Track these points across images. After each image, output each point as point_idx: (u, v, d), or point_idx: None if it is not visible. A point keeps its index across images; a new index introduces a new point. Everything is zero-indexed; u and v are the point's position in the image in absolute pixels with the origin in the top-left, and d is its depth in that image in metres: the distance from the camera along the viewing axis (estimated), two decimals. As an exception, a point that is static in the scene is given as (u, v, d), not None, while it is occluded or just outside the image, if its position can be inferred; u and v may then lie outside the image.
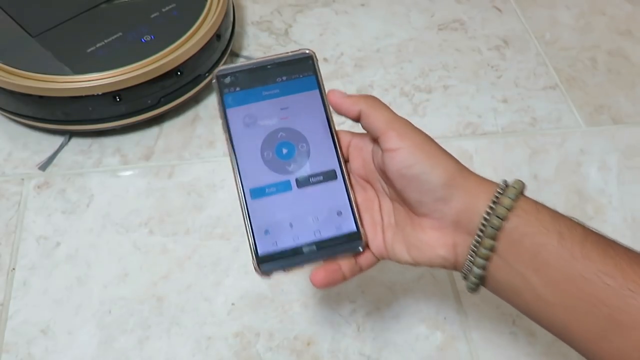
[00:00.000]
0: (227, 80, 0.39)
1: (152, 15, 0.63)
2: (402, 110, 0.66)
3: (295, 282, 0.53)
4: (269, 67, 0.39)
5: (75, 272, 0.53)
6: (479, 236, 0.34)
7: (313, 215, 0.37)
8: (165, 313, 0.51)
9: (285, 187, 0.37)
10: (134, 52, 0.59)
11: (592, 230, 0.34)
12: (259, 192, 0.37)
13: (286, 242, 0.37)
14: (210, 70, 0.64)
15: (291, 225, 0.37)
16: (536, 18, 0.78)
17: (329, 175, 0.38)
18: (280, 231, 0.37)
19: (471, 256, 0.34)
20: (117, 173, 0.60)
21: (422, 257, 0.36)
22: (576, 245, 0.32)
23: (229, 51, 0.67)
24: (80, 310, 0.51)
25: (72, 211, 0.57)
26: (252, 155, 0.38)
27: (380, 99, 0.38)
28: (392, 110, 0.37)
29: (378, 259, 0.38)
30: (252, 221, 0.37)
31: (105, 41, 0.60)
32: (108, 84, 0.57)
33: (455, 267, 0.36)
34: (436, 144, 0.36)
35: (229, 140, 0.38)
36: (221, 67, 0.39)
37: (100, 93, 0.57)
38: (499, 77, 0.71)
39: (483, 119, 0.66)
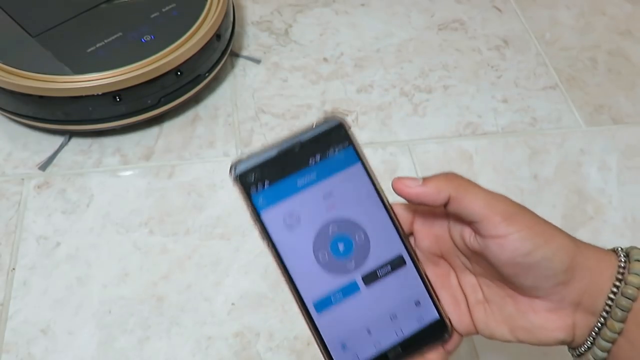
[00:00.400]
0: (250, 177, 0.31)
1: (152, 15, 0.63)
2: (402, 110, 0.66)
3: (295, 282, 0.53)
4: (296, 149, 0.32)
5: (75, 272, 0.53)
6: (604, 318, 0.31)
7: (390, 312, 0.33)
8: (165, 313, 0.51)
9: (352, 289, 0.32)
10: (134, 52, 0.59)
11: None
12: (324, 304, 0.32)
13: (368, 352, 0.32)
14: (210, 70, 0.64)
15: (369, 331, 0.32)
16: (536, 18, 0.78)
17: (397, 263, 0.33)
18: (359, 341, 0.32)
19: (593, 337, 0.32)
20: (117, 173, 0.60)
21: (533, 338, 0.33)
22: None
23: (229, 51, 0.67)
24: (80, 310, 0.51)
25: (72, 211, 0.57)
26: (305, 261, 0.32)
27: (459, 174, 0.33)
28: (483, 188, 0.32)
29: (462, 338, 0.35)
30: (324, 338, 0.32)
31: (106, 41, 0.60)
32: (108, 84, 0.57)
33: (570, 346, 0.33)
34: (545, 221, 0.32)
35: (272, 248, 0.32)
36: (237, 161, 0.31)
37: (100, 93, 0.57)
38: (499, 77, 0.71)
39: (483, 119, 0.66)
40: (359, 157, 0.33)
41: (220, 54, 0.65)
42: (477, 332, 0.34)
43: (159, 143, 0.63)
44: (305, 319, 0.32)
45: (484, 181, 0.36)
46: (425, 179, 0.32)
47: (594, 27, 0.77)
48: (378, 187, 0.33)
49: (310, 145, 0.32)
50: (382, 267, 0.33)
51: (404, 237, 0.33)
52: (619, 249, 0.32)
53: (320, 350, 0.32)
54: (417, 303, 0.33)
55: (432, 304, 0.33)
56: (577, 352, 0.33)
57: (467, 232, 0.33)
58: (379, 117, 0.65)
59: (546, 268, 0.31)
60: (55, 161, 0.61)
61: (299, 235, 0.32)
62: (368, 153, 0.33)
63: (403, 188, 0.32)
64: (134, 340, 0.49)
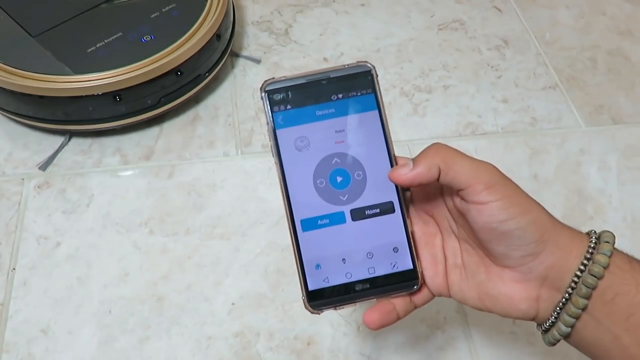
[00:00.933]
0: (278, 96, 0.35)
1: (152, 15, 0.63)
2: (402, 110, 0.66)
3: (295, 282, 0.53)
4: (323, 82, 0.35)
5: (75, 272, 0.53)
6: (569, 294, 0.32)
7: (367, 250, 0.35)
8: (165, 313, 0.51)
9: (339, 219, 0.35)
10: (134, 52, 0.59)
11: None
12: (310, 224, 0.35)
13: (338, 278, 0.34)
14: (210, 71, 0.64)
15: (344, 260, 0.35)
16: (536, 18, 0.78)
17: (386, 208, 0.35)
18: (332, 267, 0.34)
19: (557, 313, 0.33)
20: (118, 173, 0.60)
21: (498, 307, 0.34)
22: None
23: (229, 51, 0.67)
24: (80, 310, 0.51)
25: (72, 211, 0.57)
26: (304, 183, 0.35)
27: (446, 144, 0.34)
28: (470, 157, 0.34)
29: (434, 296, 0.36)
30: (302, 255, 0.34)
31: (106, 41, 0.60)
32: (108, 84, 0.57)
33: (534, 320, 0.35)
34: (525, 194, 0.33)
35: (278, 164, 0.35)
36: (269, 81, 0.35)
37: (100, 93, 0.57)
38: (499, 77, 0.71)
39: (483, 119, 0.66)
40: (378, 106, 0.35)
41: (220, 54, 0.65)
42: (449, 294, 0.36)
43: (159, 143, 0.63)
44: (290, 233, 0.34)
45: (484, 181, 0.36)
46: (415, 160, 0.34)
47: (594, 27, 0.77)
48: (388, 137, 0.35)
49: (336, 83, 0.35)
50: (371, 207, 0.35)
51: (400, 188, 0.35)
52: (593, 231, 0.34)
53: (297, 265, 0.34)
54: (395, 249, 0.35)
55: (409, 254, 0.35)
56: (543, 328, 0.34)
57: (450, 191, 0.35)
58: (379, 117, 0.65)
59: (518, 237, 0.32)
60: (55, 161, 0.61)
61: (304, 159, 0.35)
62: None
63: (398, 177, 0.33)
64: (134, 340, 0.49)
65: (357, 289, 0.35)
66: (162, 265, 0.54)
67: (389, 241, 0.35)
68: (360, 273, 0.35)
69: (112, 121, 0.60)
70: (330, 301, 0.34)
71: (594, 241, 0.33)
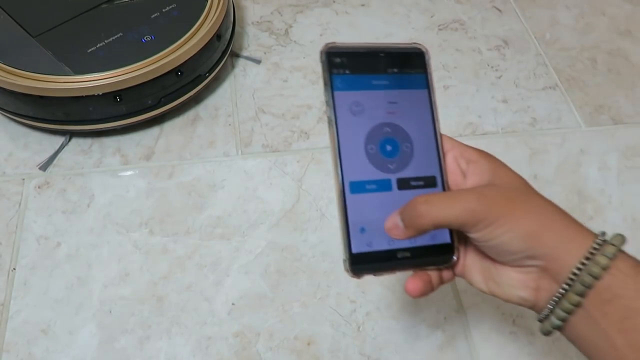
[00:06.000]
0: (338, 60, 0.35)
1: (153, 16, 0.63)
2: (402, 110, 0.66)
3: (295, 282, 0.53)
4: (381, 54, 0.36)
5: (75, 272, 0.53)
6: (564, 289, 0.32)
7: None
8: (165, 313, 0.51)
9: (385, 186, 0.35)
10: (135, 52, 0.59)
11: None
12: (358, 187, 0.35)
13: (381, 244, 0.34)
14: (210, 71, 0.64)
15: None
16: (536, 18, 0.78)
17: (430, 182, 0.36)
18: (377, 232, 0.34)
19: (552, 305, 0.33)
20: (118, 173, 0.60)
21: (499, 292, 0.35)
22: None
23: (229, 51, 0.67)
24: (80, 310, 0.51)
25: (72, 211, 0.57)
26: (356, 147, 0.35)
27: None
28: (449, 193, 0.35)
29: (454, 276, 0.37)
30: (348, 216, 0.34)
31: (106, 41, 0.60)
32: (108, 84, 0.57)
33: (533, 308, 0.35)
34: (510, 201, 0.33)
35: (334, 125, 0.35)
36: (331, 44, 0.35)
37: (100, 93, 0.57)
38: (499, 77, 0.71)
39: (483, 119, 0.66)
40: (428, 86, 0.37)
41: (220, 54, 0.65)
42: (462, 275, 0.37)
43: (159, 143, 0.63)
44: (338, 195, 0.34)
45: (484, 181, 0.36)
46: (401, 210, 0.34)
47: (594, 28, 0.77)
48: (435, 116, 0.37)
49: (392, 58, 0.36)
50: (416, 179, 0.36)
51: (443, 164, 0.36)
52: (603, 233, 0.33)
53: (342, 227, 0.34)
54: None
55: (448, 229, 0.35)
56: (539, 318, 0.35)
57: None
58: (379, 117, 0.65)
59: (506, 251, 0.33)
60: (55, 161, 0.61)
61: (358, 123, 0.35)
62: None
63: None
64: (134, 340, 0.49)
65: (398, 256, 0.35)
66: (162, 265, 0.54)
67: None
68: (402, 241, 0.35)
69: (113, 121, 0.60)
70: (371, 267, 0.35)
71: (599, 242, 0.32)
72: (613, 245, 0.32)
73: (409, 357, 0.49)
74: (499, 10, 0.79)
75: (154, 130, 0.64)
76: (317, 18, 0.77)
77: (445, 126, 0.65)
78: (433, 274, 0.36)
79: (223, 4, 0.64)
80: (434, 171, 0.36)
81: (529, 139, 0.65)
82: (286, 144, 0.63)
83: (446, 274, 0.37)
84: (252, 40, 0.74)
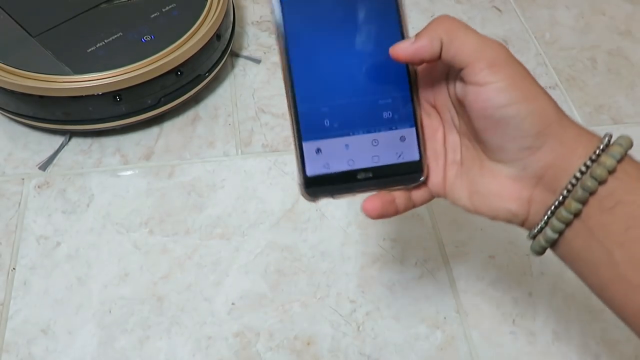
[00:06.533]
0: None
1: (152, 15, 0.63)
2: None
3: (295, 282, 0.53)
4: None
5: (75, 272, 0.53)
6: (563, 196, 0.29)
7: (373, 137, 0.33)
8: (165, 313, 0.51)
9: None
10: (134, 52, 0.59)
11: None
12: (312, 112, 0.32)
13: (340, 165, 0.32)
14: (210, 70, 0.64)
15: (347, 146, 0.32)
16: (536, 18, 0.78)
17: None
18: (334, 152, 0.32)
19: (547, 217, 0.30)
20: (118, 173, 0.60)
21: (486, 207, 0.32)
22: None
23: (229, 51, 0.67)
24: (80, 310, 0.51)
25: (72, 211, 0.57)
26: (311, 64, 0.32)
27: (452, 16, 0.31)
28: (477, 32, 0.30)
29: (432, 197, 0.34)
30: (302, 135, 0.32)
31: (106, 41, 0.60)
32: (108, 84, 0.57)
33: (523, 224, 0.32)
34: (533, 80, 0.30)
35: (282, 39, 0.32)
36: None
37: (100, 93, 0.57)
38: (499, 77, 0.71)
39: (483, 119, 0.66)
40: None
41: (220, 54, 0.65)
42: (445, 194, 0.34)
43: (159, 143, 0.63)
44: (289, 109, 0.32)
45: (484, 181, 0.36)
46: (417, 34, 0.31)
47: (594, 27, 0.77)
48: (402, 22, 0.33)
49: None
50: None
51: (412, 76, 0.33)
52: (608, 134, 0.30)
53: (295, 146, 0.32)
54: (402, 138, 0.33)
55: (416, 144, 0.33)
56: (531, 234, 0.32)
57: (453, 76, 0.32)
58: (379, 117, 0.65)
59: (515, 127, 0.29)
60: (55, 161, 0.61)
61: (312, 31, 0.32)
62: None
63: (399, 52, 0.31)
64: (134, 340, 0.49)
65: (358, 177, 0.32)
66: (162, 265, 0.54)
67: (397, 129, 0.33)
68: (363, 161, 0.32)
69: (112, 121, 0.60)
70: (328, 189, 0.32)
71: (605, 142, 0.29)
72: (620, 145, 0.29)
73: (409, 357, 0.49)
74: (499, 10, 0.79)
75: (154, 130, 0.64)
76: (317, 18, 0.77)
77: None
78: (399, 195, 0.33)
79: (223, 3, 0.64)
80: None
81: (529, 139, 0.65)
82: (286, 144, 0.63)
83: (418, 194, 0.34)
84: (252, 40, 0.74)
